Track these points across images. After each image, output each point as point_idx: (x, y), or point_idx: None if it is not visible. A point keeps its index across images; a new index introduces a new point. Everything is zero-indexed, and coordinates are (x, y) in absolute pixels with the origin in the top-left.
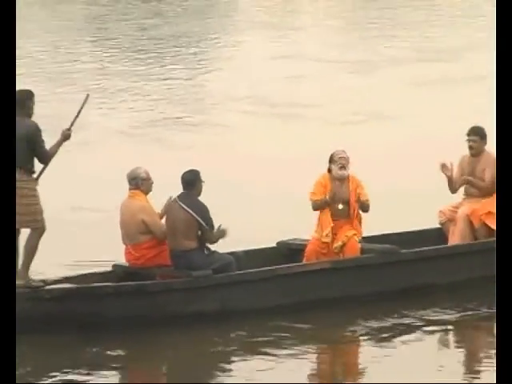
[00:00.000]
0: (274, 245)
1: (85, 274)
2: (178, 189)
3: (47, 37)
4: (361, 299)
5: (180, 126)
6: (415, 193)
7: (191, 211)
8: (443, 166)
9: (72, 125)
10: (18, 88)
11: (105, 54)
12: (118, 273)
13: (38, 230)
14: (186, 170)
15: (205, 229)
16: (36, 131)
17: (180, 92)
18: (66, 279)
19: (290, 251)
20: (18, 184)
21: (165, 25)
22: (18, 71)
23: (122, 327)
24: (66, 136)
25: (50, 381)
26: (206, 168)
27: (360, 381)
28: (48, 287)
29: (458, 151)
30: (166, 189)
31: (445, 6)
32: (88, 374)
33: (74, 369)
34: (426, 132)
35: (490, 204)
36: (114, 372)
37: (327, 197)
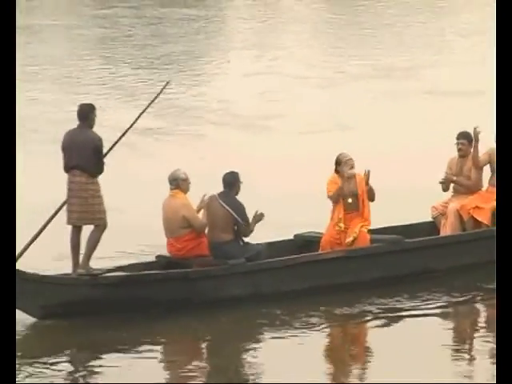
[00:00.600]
0: (292, 237)
1: (133, 264)
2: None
3: (61, 54)
4: (371, 283)
5: (157, 135)
6: (402, 191)
7: (229, 208)
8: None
9: (145, 110)
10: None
11: (108, 69)
12: (161, 262)
13: (101, 227)
14: (227, 171)
15: (240, 224)
16: (100, 142)
17: (164, 105)
18: (119, 268)
19: (306, 243)
20: (84, 186)
21: (162, 45)
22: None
23: (167, 309)
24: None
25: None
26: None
27: (366, 359)
28: (105, 275)
29: (415, 154)
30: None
31: (406, 27)
32: (135, 350)
33: (126, 344)
34: (384, 138)
35: (477, 199)
36: (158, 347)
37: (340, 185)
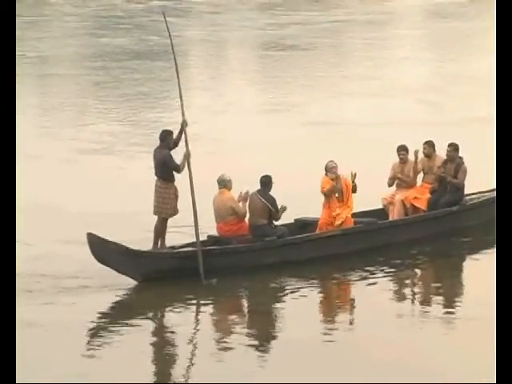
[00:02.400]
0: (292, 221)
1: (193, 242)
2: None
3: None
4: (357, 253)
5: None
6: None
7: (265, 201)
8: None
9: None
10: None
11: (99, 103)
12: (212, 240)
13: (167, 218)
14: (263, 175)
15: (273, 212)
16: (170, 157)
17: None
18: (187, 245)
19: (304, 224)
20: (159, 189)
21: (134, 86)
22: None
23: (223, 275)
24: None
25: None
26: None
27: (352, 307)
28: (176, 250)
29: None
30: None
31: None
32: (199, 303)
33: (192, 299)
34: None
35: (415, 192)
36: (210, 305)
37: (334, 183)
